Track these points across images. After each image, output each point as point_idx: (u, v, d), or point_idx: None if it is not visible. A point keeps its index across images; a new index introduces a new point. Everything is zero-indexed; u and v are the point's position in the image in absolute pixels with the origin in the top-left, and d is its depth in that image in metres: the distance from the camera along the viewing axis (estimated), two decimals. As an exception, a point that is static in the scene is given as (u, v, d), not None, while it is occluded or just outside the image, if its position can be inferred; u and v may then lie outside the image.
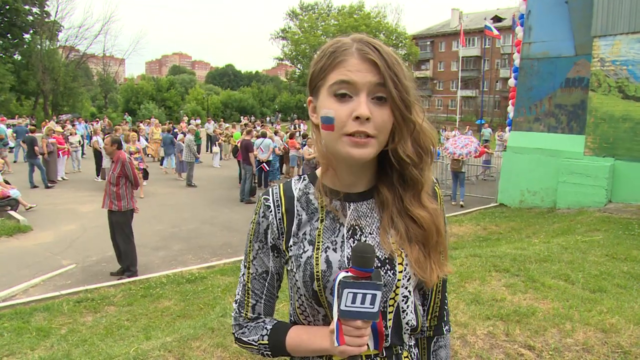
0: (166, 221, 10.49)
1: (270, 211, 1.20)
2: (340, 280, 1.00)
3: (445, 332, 1.34)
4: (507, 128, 13.41)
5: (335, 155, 1.10)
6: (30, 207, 11.01)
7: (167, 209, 11.64)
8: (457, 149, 12.27)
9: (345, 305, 0.99)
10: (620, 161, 9.94)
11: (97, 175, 15.61)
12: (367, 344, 1.06)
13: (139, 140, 15.87)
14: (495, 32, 33.35)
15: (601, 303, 4.22)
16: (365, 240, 1.14)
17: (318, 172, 1.22)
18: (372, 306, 0.99)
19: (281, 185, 1.25)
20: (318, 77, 1.10)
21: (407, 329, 1.19)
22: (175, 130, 21.71)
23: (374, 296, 0.98)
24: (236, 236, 9.47)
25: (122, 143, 7.54)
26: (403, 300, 1.16)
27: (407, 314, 1.18)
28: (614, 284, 4.90)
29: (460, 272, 4.90)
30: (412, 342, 1.26)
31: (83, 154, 20.23)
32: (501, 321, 3.75)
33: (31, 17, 45.76)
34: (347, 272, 1.02)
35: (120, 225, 7.13)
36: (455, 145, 12.37)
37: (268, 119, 53.28)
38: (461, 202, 12.43)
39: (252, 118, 47.28)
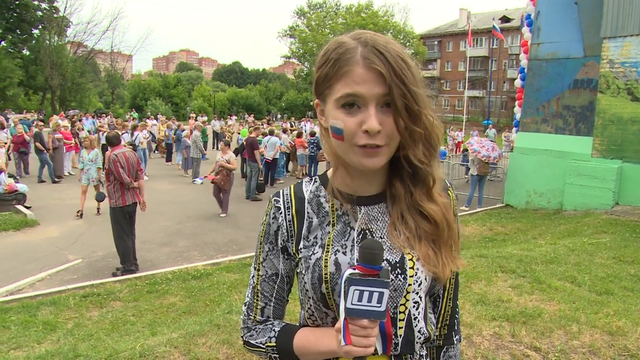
0: (172, 217, 10.52)
1: (281, 213, 1.19)
2: (346, 277, 0.98)
3: (455, 342, 1.30)
4: (514, 129, 13.37)
5: (347, 162, 1.09)
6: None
7: (172, 206, 11.67)
8: (491, 152, 12.08)
9: (352, 303, 0.96)
10: (628, 163, 9.88)
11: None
12: (375, 347, 1.04)
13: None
14: (499, 32, 33.22)
15: (608, 305, 4.20)
16: None
17: (329, 173, 1.21)
18: (379, 305, 0.96)
19: (292, 186, 1.24)
20: (323, 84, 1.08)
21: (420, 338, 1.16)
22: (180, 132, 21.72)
23: (381, 294, 0.95)
24: (242, 233, 9.48)
25: (118, 139, 7.49)
26: (414, 307, 1.13)
27: (418, 321, 1.15)
28: (621, 287, 4.88)
29: (466, 273, 4.89)
30: (424, 352, 1.21)
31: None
32: (507, 322, 3.74)
33: (40, 13, 45.94)
34: (354, 269, 1.00)
35: (112, 221, 7.26)
36: (486, 149, 12.14)
37: (279, 116, 53.56)
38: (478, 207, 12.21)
39: (270, 114, 47.69)
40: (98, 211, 10.55)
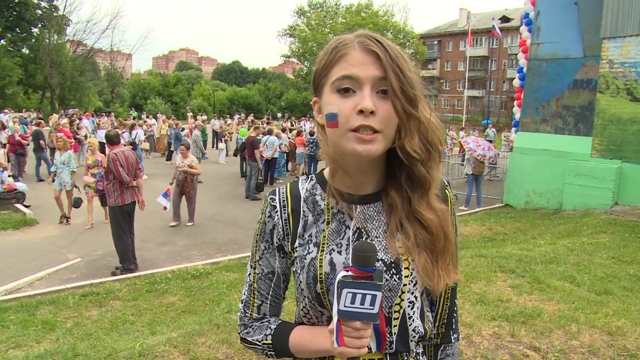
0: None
1: (276, 211, 1.19)
2: (339, 280, 0.98)
3: (453, 341, 1.30)
4: (514, 129, 13.37)
5: (341, 153, 1.07)
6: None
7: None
8: (487, 152, 12.09)
9: (345, 306, 0.96)
10: (627, 163, 9.89)
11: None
12: (369, 346, 1.04)
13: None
14: (498, 32, 33.31)
15: (607, 305, 4.21)
16: None
17: (326, 172, 1.20)
18: (372, 307, 0.95)
19: (288, 184, 1.24)
20: (321, 74, 1.09)
21: (414, 336, 1.16)
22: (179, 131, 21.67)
23: (374, 297, 0.95)
24: (241, 232, 9.48)
25: (117, 138, 7.48)
26: (409, 306, 1.13)
27: (413, 320, 1.15)
28: (620, 287, 4.88)
29: (465, 272, 4.89)
30: (420, 350, 1.22)
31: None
32: (507, 322, 3.74)
33: (40, 11, 45.95)
34: (347, 271, 1.00)
35: (111, 220, 7.28)
36: (482, 148, 12.15)
37: (279, 115, 53.65)
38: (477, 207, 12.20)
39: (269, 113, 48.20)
40: (68, 220, 9.77)
